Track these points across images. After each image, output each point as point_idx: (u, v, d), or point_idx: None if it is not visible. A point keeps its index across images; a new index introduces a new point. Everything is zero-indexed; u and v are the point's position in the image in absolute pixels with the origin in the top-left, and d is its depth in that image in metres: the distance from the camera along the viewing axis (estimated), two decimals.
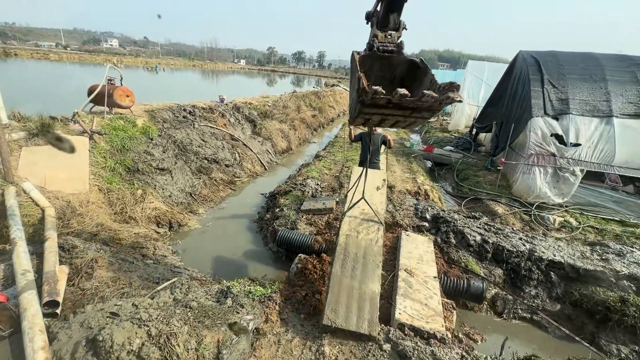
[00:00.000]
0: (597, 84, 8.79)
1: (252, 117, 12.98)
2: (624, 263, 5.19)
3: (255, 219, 7.47)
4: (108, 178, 6.63)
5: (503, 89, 11.96)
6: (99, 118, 7.74)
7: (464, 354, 3.19)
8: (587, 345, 4.03)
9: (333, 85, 32.29)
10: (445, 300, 4.33)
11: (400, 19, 3.00)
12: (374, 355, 3.00)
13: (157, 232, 6.33)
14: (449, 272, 5.11)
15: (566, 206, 7.89)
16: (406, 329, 3.44)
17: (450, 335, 3.62)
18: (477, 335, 4.55)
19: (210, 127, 10.51)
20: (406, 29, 3.03)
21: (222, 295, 3.73)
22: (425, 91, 2.17)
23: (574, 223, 7.18)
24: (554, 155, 8.04)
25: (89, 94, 7.92)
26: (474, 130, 14.31)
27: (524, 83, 9.58)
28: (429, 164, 12.20)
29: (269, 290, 4.02)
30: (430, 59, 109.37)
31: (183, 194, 7.70)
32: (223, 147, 10.17)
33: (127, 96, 8.27)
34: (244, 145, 10.92)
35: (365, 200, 4.54)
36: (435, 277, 4.45)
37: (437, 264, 4.94)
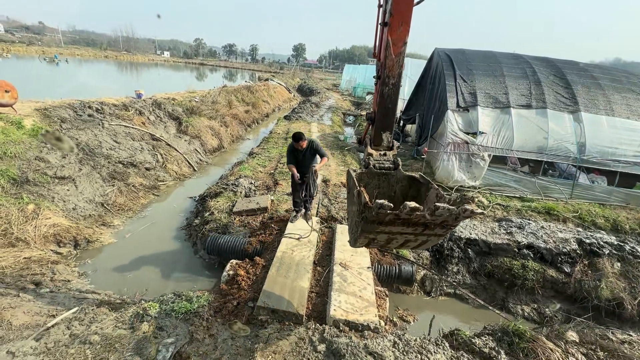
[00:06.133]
0: (497, 79, 10.01)
1: (176, 114, 11.87)
2: (523, 234, 6.00)
3: (183, 225, 6.82)
4: None
5: (423, 83, 12.93)
6: None
7: (396, 340, 3.29)
8: (498, 312, 4.54)
9: (267, 80, 31.50)
10: (379, 288, 4.47)
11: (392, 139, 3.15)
12: (308, 359, 2.90)
13: (58, 253, 5.35)
14: (382, 260, 5.30)
15: (479, 188, 8.88)
16: (341, 324, 3.43)
17: (383, 323, 3.72)
18: (409, 317, 4.82)
19: (125, 126, 9.29)
20: (399, 149, 3.06)
21: (137, 320, 3.26)
22: (438, 204, 1.96)
23: (485, 202, 8.10)
24: (467, 142, 8.95)
25: None
26: (401, 121, 15.26)
27: (440, 78, 10.46)
28: (362, 156, 12.65)
29: (196, 305, 3.66)
30: (360, 54, 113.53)
31: (92, 205, 6.65)
32: (142, 148, 9.08)
33: (7, 91, 6.78)
34: (168, 145, 9.92)
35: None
36: (369, 268, 4.55)
37: (370, 253, 5.08)
